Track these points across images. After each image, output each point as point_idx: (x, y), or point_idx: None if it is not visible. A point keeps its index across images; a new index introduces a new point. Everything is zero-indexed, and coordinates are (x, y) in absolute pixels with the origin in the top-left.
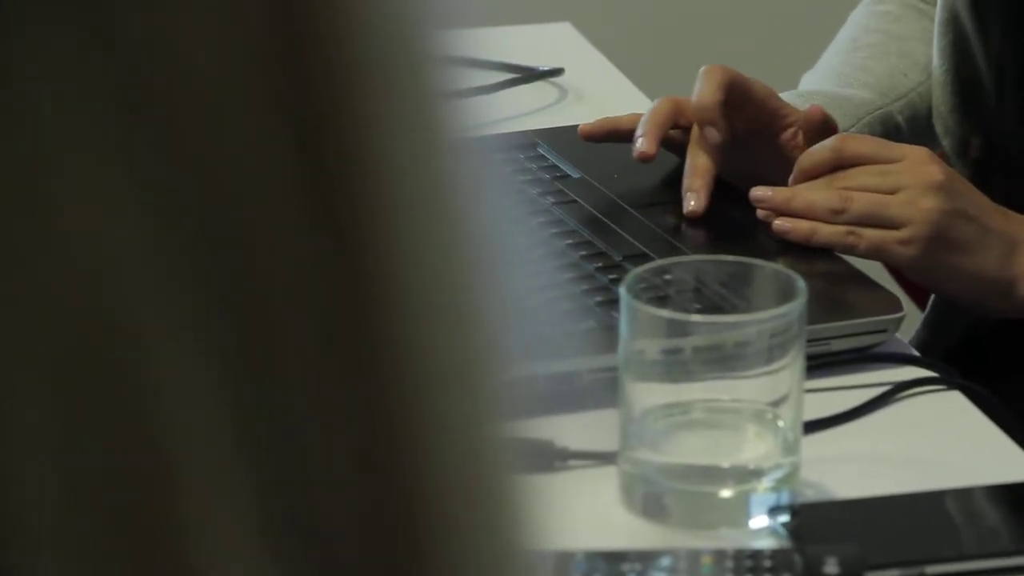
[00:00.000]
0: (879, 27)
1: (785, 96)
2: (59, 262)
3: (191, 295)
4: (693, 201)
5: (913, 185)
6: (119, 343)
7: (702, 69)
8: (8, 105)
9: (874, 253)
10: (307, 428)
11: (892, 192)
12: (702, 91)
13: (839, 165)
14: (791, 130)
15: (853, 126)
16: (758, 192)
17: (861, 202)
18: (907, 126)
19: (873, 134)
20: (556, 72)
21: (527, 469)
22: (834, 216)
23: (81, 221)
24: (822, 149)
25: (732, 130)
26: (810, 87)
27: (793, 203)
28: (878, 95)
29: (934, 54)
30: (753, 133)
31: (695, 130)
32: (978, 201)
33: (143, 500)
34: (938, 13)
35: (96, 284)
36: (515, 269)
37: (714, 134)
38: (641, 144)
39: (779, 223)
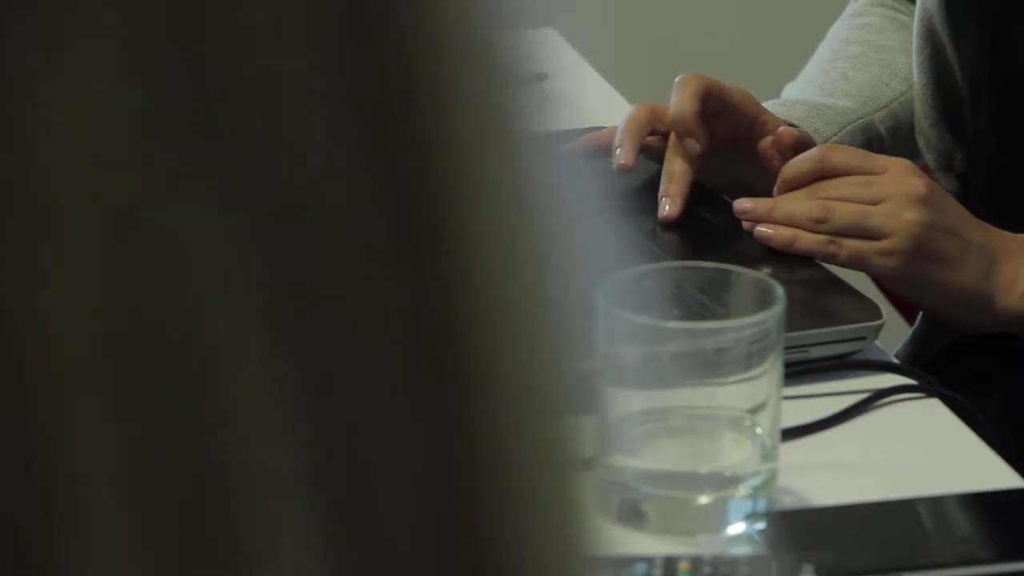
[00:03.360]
0: (860, 39)
1: (767, 105)
2: (136, 271)
3: (259, 298)
4: (668, 206)
5: (895, 197)
6: (194, 355)
7: (677, 79)
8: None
9: (854, 263)
10: (372, 426)
11: (874, 203)
12: (679, 102)
13: (822, 176)
14: (769, 138)
15: (835, 135)
16: (741, 204)
17: (843, 212)
18: (889, 136)
19: (855, 143)
20: (539, 78)
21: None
22: (816, 226)
23: (163, 224)
24: (805, 160)
25: (711, 137)
26: (792, 97)
27: (775, 214)
28: (860, 104)
29: (914, 69)
30: (732, 139)
31: (673, 137)
32: (959, 215)
33: (207, 505)
34: (915, 27)
35: (174, 295)
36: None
37: (693, 145)
38: (619, 156)
39: (760, 229)
